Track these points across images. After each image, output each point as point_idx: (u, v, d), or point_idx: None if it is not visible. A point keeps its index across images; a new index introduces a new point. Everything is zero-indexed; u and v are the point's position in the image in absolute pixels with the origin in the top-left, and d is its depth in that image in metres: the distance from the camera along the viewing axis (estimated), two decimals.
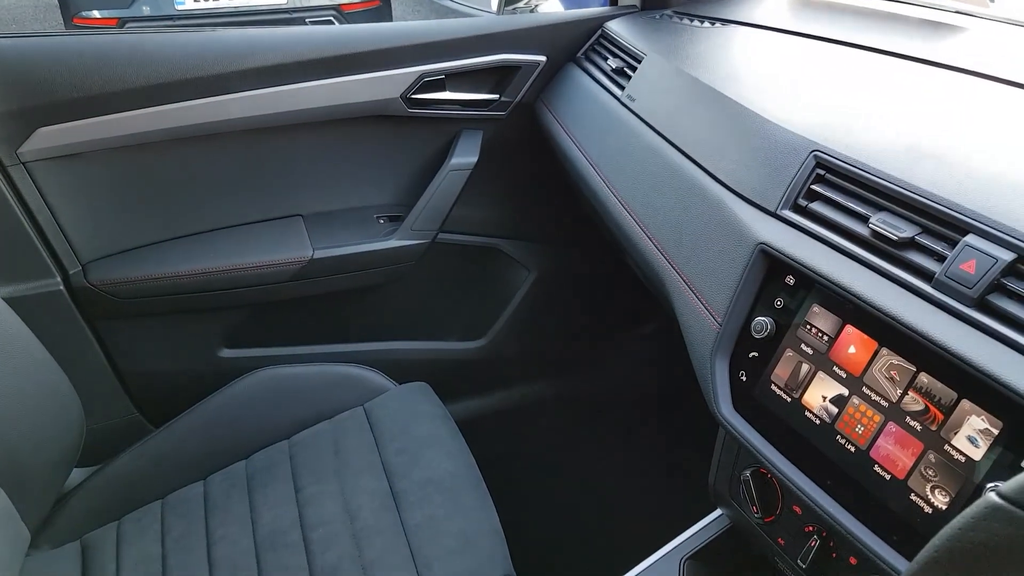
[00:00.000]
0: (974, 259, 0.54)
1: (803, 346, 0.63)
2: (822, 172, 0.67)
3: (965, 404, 0.52)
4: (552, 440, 1.46)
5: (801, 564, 0.65)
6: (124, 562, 0.90)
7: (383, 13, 3.98)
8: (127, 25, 3.45)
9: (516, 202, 1.31)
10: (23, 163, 0.97)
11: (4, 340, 0.84)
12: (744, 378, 0.68)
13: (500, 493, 0.94)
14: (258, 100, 1.03)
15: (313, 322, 1.24)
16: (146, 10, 3.49)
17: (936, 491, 0.53)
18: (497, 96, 1.17)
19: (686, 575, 0.75)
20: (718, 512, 0.79)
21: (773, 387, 0.66)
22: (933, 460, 0.53)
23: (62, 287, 1.04)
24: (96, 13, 3.47)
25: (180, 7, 3.53)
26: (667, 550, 0.78)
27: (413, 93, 1.11)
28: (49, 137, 0.97)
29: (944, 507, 0.53)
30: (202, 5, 3.55)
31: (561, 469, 1.40)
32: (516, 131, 1.21)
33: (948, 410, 0.53)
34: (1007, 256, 0.53)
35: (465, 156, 1.17)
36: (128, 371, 1.14)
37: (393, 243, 1.17)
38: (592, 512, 1.30)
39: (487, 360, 1.39)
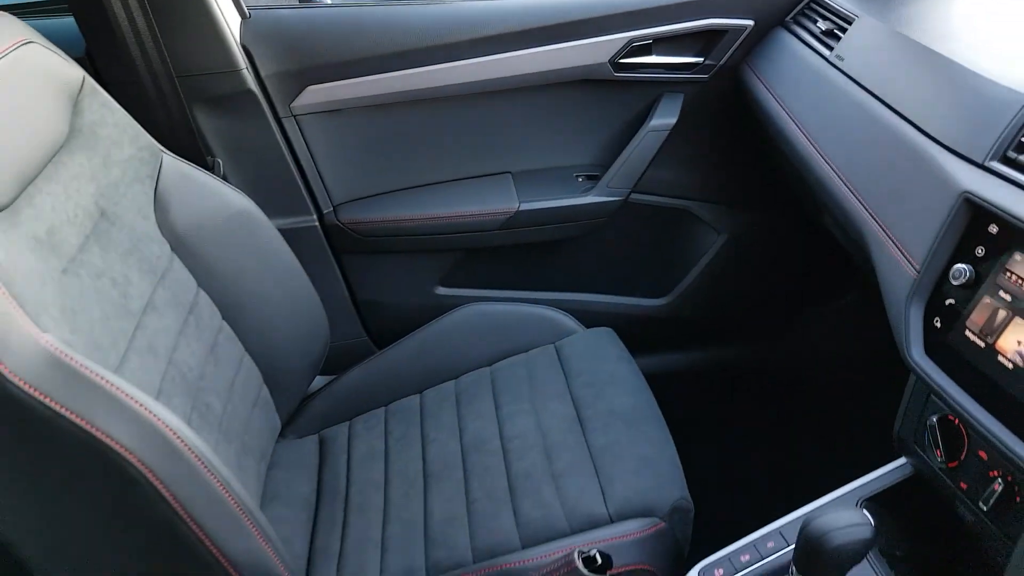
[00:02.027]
0: None
1: (1001, 292, 0.66)
2: None
3: None
4: (735, 405, 1.51)
5: (983, 507, 0.68)
6: (354, 453, 1.11)
7: None
8: None
9: (710, 165, 1.37)
10: (294, 116, 1.21)
11: (277, 262, 1.06)
12: (938, 324, 0.72)
13: (678, 436, 1.02)
14: (484, 66, 1.19)
15: (514, 269, 1.39)
16: None
17: None
18: (701, 59, 1.24)
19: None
20: (901, 460, 0.83)
21: (967, 333, 0.69)
22: None
23: (317, 223, 1.28)
24: None
25: None
26: (845, 490, 0.82)
27: (621, 58, 1.21)
28: (316, 94, 1.20)
29: None
30: None
31: (742, 431, 1.45)
32: (717, 94, 1.27)
33: None
34: None
35: (665, 118, 1.26)
36: (362, 300, 1.37)
37: (590, 199, 1.29)
38: (770, 457, 1.33)
39: (670, 318, 1.47)
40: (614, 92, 1.27)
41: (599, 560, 0.71)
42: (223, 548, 0.69)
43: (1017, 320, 0.65)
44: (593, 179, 1.32)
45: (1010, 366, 0.65)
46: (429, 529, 0.94)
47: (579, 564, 0.71)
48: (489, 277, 1.40)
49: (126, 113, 0.93)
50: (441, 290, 1.39)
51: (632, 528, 0.86)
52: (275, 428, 1.13)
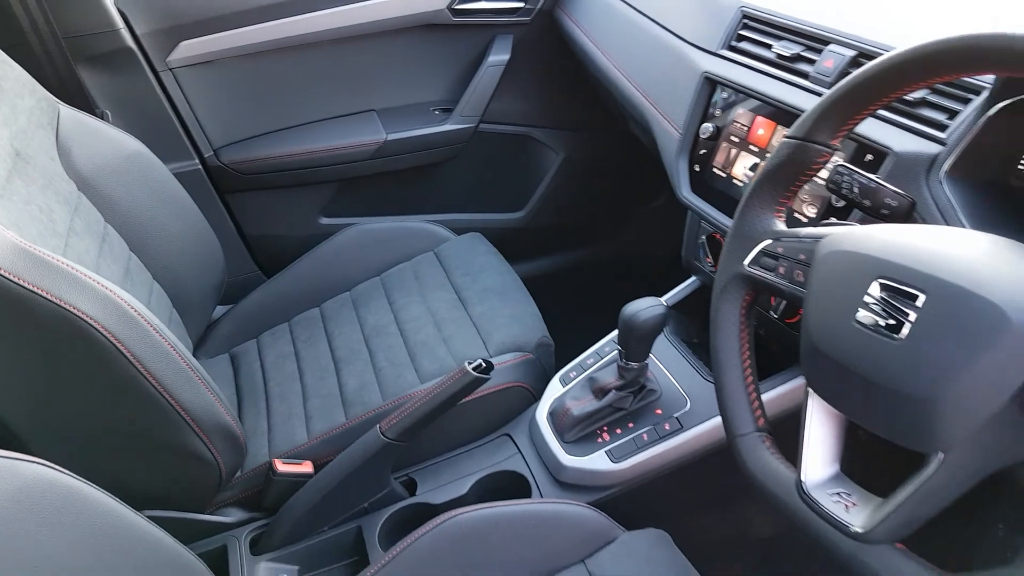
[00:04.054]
0: (832, 58, 0.88)
1: (732, 137, 0.99)
2: (748, 21, 1.01)
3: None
4: (587, 292, 1.82)
5: None
6: (266, 360, 1.30)
7: None
8: None
9: (543, 95, 1.66)
10: (171, 69, 1.37)
11: (171, 198, 1.22)
12: (697, 169, 1.04)
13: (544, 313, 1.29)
14: (340, 15, 1.40)
15: (387, 196, 1.62)
16: None
17: (807, 207, 0.88)
18: (522, 4, 1.51)
19: (668, 319, 1.12)
20: (691, 279, 1.16)
21: (715, 170, 1.01)
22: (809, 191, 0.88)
23: (200, 166, 1.44)
24: None
25: None
26: None
27: (457, 4, 1.46)
28: (190, 48, 1.36)
29: (814, 215, 0.88)
30: None
31: (593, 307, 1.75)
32: (540, 34, 1.55)
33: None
34: (851, 53, 0.86)
35: (499, 55, 1.53)
36: (250, 235, 1.55)
37: (448, 127, 1.54)
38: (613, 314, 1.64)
39: (527, 229, 1.75)
40: (456, 35, 1.52)
41: (483, 364, 0.98)
42: (177, 397, 0.86)
43: (743, 153, 0.97)
44: (447, 112, 1.57)
45: (741, 185, 0.98)
46: (345, 396, 1.16)
47: (468, 368, 0.97)
48: (367, 204, 1.61)
49: (22, 69, 1.06)
50: (324, 220, 1.60)
51: (507, 358, 1.13)
52: (188, 347, 1.29)
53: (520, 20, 1.53)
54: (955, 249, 0.53)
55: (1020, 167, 0.75)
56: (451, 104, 1.58)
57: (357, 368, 1.21)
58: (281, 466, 1.01)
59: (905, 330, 0.52)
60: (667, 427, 0.97)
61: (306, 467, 1.03)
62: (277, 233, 1.58)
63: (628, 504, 0.95)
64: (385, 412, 1.05)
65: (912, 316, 0.51)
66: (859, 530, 0.54)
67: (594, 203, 1.82)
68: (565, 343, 1.30)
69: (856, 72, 0.62)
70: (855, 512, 0.55)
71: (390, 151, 1.52)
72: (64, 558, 0.59)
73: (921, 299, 0.51)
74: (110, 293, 0.83)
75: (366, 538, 0.97)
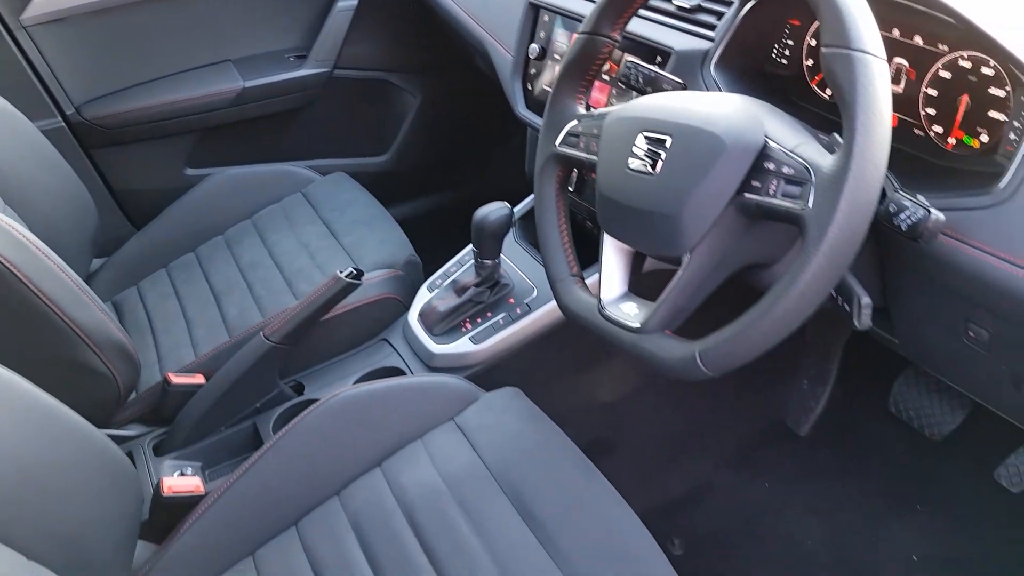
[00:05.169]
0: None
1: (555, 55, 1.15)
2: None
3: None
4: (451, 230, 1.96)
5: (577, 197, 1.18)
6: (148, 302, 1.36)
7: None
8: None
9: (396, 40, 1.76)
10: (25, 28, 1.38)
11: (39, 152, 1.27)
12: (530, 87, 1.20)
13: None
14: None
15: (251, 144, 1.69)
16: None
17: None
18: None
19: (517, 225, 1.28)
20: None
21: (544, 87, 1.17)
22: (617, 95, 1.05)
23: (63, 123, 1.46)
24: None
25: None
26: None
27: None
28: (43, 5, 1.38)
29: None
30: None
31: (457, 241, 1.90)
32: None
33: None
34: None
35: (347, 0, 1.62)
36: (119, 189, 1.59)
37: (304, 72, 1.62)
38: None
39: (393, 172, 1.87)
40: None
41: (354, 272, 1.10)
42: (70, 315, 0.92)
43: None
44: (303, 58, 1.65)
45: None
46: (228, 323, 1.25)
47: (341, 275, 1.09)
48: (231, 153, 1.68)
49: None
50: (189, 171, 1.65)
51: (378, 274, 1.26)
52: None
53: None
54: (695, 103, 0.71)
55: (773, 56, 0.95)
56: (306, 51, 1.66)
57: (237, 299, 1.30)
58: (175, 379, 1.11)
59: (658, 167, 0.69)
60: (519, 311, 1.14)
61: (198, 379, 1.13)
62: (145, 187, 1.62)
63: (490, 377, 1.11)
64: (267, 324, 1.15)
65: (663, 155, 0.69)
66: (637, 325, 0.71)
67: (455, 145, 1.95)
68: (433, 267, 1.44)
69: None
70: (636, 316, 0.73)
71: (248, 98, 1.59)
72: None
73: (669, 141, 0.69)
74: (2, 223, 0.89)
75: (261, 432, 1.08)
